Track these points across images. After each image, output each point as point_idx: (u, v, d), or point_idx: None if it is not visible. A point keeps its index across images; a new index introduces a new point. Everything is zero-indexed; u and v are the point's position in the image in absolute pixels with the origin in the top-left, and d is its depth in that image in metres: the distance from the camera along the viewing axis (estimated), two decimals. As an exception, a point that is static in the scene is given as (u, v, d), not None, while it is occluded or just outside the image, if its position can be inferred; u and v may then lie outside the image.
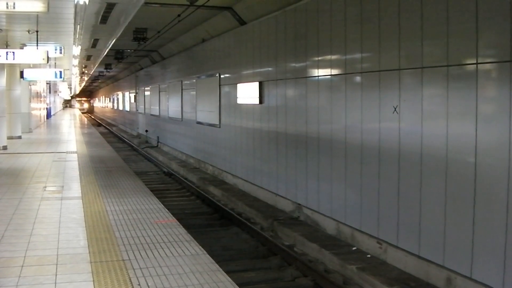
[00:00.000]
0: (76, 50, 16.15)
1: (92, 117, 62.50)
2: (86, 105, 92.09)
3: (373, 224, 6.94)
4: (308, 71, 8.75)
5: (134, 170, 13.79)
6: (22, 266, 4.42)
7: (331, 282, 6.21)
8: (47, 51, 11.27)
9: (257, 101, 10.87)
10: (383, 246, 6.70)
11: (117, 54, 22.50)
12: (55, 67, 21.17)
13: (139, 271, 4.32)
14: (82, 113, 68.89)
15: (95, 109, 76.57)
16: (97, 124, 46.07)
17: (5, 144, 13.95)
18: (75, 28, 11.54)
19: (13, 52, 11.07)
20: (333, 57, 7.95)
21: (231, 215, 9.79)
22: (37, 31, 11.52)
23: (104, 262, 4.54)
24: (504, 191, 4.92)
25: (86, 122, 36.68)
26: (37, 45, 12.18)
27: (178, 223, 6.08)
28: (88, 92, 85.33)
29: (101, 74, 37.63)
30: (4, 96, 14.48)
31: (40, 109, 28.32)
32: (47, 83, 31.11)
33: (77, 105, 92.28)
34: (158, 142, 23.10)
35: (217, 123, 13.96)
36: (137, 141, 26.70)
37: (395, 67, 6.41)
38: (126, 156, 19.81)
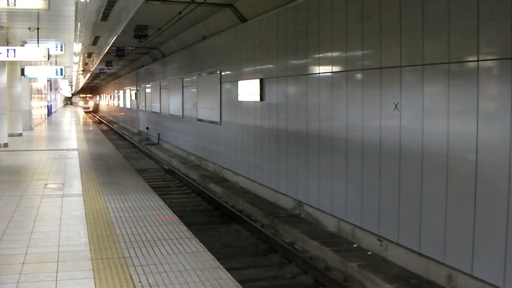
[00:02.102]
0: (77, 47, 16.14)
1: (97, 117, 54.71)
2: (91, 103, 76.54)
3: (374, 221, 6.94)
4: (309, 68, 8.74)
5: (135, 167, 13.80)
6: (23, 263, 4.43)
7: (332, 280, 6.21)
8: (48, 49, 11.27)
9: (258, 98, 10.86)
10: (383, 243, 6.70)
11: (118, 52, 22.49)
12: (56, 65, 21.16)
13: (140, 268, 4.32)
14: (86, 112, 59.85)
15: (100, 108, 66.65)
16: (98, 121, 46.02)
17: (6, 142, 13.96)
18: (76, 26, 11.53)
19: (14, 50, 11.06)
20: (334, 54, 7.93)
21: (232, 213, 9.80)
22: (38, 29, 11.50)
23: (105, 259, 4.55)
24: (505, 189, 4.92)
25: (87, 120, 36.67)
26: (38, 43, 12.17)
27: (179, 220, 6.08)
28: (89, 90, 77.97)
29: (102, 71, 37.61)
30: (5, 93, 14.48)
31: (41, 107, 28.33)
32: (48, 81, 31.10)
33: (80, 103, 78.57)
34: (159, 139, 23.10)
35: (218, 120, 13.95)
36: (138, 138, 26.70)
37: (396, 64, 6.40)
38: (127, 154, 19.81)
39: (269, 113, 10.45)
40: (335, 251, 7.00)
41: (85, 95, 79.32)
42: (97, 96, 72.01)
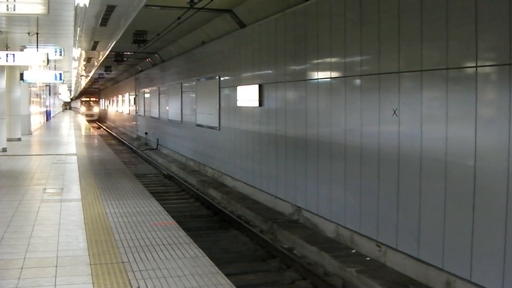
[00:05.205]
0: (76, 52, 16.16)
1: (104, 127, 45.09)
2: (96, 109, 62.34)
3: (373, 227, 6.94)
4: (307, 74, 8.76)
5: (134, 172, 13.79)
6: (22, 268, 4.42)
7: (331, 285, 6.21)
8: (47, 53, 11.28)
9: (256, 104, 10.88)
10: (382, 249, 6.70)
11: (117, 57, 22.51)
12: (55, 69, 21.18)
13: (139, 273, 4.32)
14: (89, 121, 47.83)
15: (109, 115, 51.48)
16: (98, 127, 45.84)
17: (4, 146, 13.94)
18: (75, 31, 11.54)
19: (13, 54, 11.07)
20: (333, 59, 7.96)
21: (231, 218, 9.79)
22: (37, 33, 11.52)
23: (104, 264, 4.54)
24: (503, 194, 4.93)
25: (85, 124, 36.65)
26: (37, 47, 12.18)
27: (178, 225, 6.08)
28: (87, 95, 71.11)
29: (101, 76, 37.61)
30: (4, 98, 14.48)
31: (39, 112, 28.31)
32: (46, 85, 31.10)
33: (82, 108, 65.49)
34: (157, 144, 23.09)
35: (217, 125, 13.96)
36: (137, 143, 26.68)
37: (395, 70, 6.42)
38: (125, 159, 19.80)
39: (268, 118, 10.46)
40: (333, 256, 7.00)
41: (88, 99, 66.10)
42: (98, 101, 64.32)
